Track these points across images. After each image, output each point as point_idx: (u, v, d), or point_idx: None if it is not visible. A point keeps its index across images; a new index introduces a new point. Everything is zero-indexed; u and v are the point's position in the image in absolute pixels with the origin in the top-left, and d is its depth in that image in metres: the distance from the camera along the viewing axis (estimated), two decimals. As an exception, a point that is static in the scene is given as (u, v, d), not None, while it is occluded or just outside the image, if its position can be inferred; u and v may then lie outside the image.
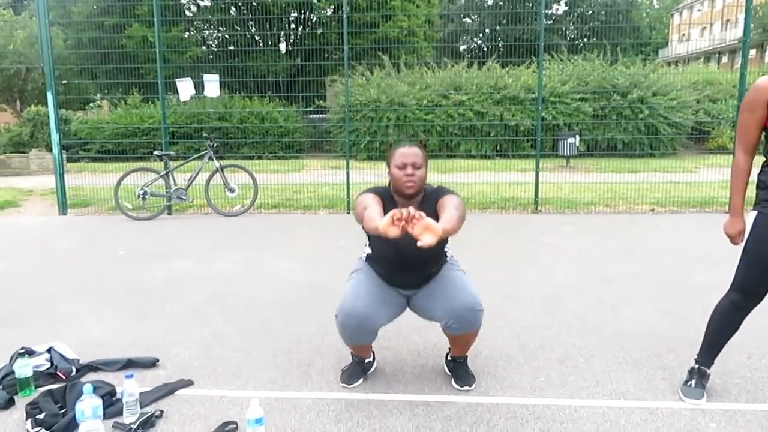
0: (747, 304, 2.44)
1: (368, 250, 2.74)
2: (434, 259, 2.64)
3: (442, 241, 2.56)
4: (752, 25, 7.51)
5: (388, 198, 2.61)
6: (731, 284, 2.48)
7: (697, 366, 2.60)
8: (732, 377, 2.73)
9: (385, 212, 2.47)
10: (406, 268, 2.61)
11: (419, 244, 2.06)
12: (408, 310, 2.76)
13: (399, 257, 2.56)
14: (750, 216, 2.47)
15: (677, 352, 3.00)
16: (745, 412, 2.43)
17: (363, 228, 2.37)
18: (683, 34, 42.78)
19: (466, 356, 2.76)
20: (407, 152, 2.54)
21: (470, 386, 2.65)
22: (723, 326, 2.52)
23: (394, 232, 2.09)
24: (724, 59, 34.82)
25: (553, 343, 3.17)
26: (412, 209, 2.08)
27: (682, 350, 3.01)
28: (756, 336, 3.09)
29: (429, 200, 2.59)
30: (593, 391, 2.63)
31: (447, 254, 2.75)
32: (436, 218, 2.42)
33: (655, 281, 4.38)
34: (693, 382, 2.57)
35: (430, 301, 2.63)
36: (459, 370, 2.72)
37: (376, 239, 2.59)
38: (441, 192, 2.60)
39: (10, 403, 2.53)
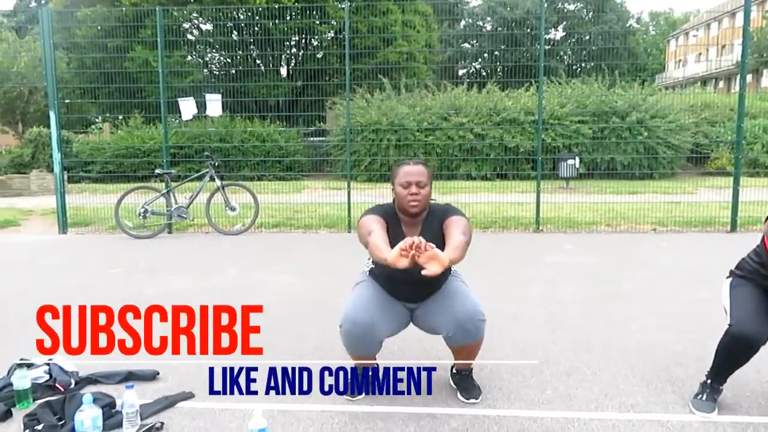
0: (753, 343, 2.38)
1: (371, 265, 2.71)
2: (439, 276, 2.59)
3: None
4: (749, 50, 7.59)
5: (393, 216, 2.59)
6: (731, 323, 2.45)
7: (709, 381, 2.56)
8: (743, 390, 2.69)
9: (390, 232, 2.48)
10: (410, 284, 2.58)
11: (424, 272, 2.10)
12: (411, 325, 2.73)
13: (402, 275, 2.49)
14: (725, 284, 2.64)
15: (685, 366, 2.96)
16: (758, 425, 2.39)
17: (368, 252, 2.37)
18: (679, 60, 43.33)
19: (471, 368, 2.72)
20: (412, 170, 2.54)
21: (476, 399, 2.61)
22: (731, 360, 2.48)
23: (403, 263, 2.13)
24: (721, 84, 35.18)
25: (559, 358, 3.12)
26: (421, 239, 2.09)
27: (690, 364, 2.97)
28: (765, 349, 3.05)
29: (434, 218, 2.58)
30: (602, 404, 2.58)
31: (451, 268, 2.71)
32: (442, 238, 2.42)
33: (660, 298, 4.34)
34: (704, 396, 2.53)
35: (433, 313, 2.60)
36: (464, 383, 2.68)
37: (379, 265, 2.51)
38: (448, 212, 2.58)
39: (7, 415, 2.48)
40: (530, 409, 2.54)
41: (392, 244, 2.33)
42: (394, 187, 2.58)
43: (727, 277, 2.66)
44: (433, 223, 2.56)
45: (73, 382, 2.76)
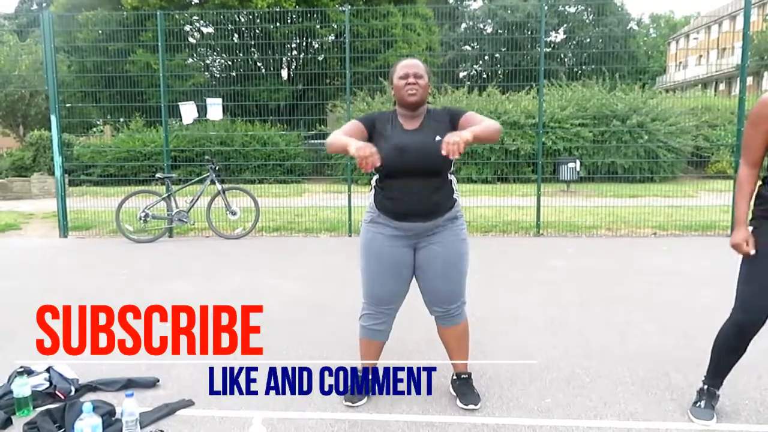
0: (750, 326, 2.39)
1: (376, 176, 2.60)
2: (440, 176, 2.53)
3: (444, 168, 2.53)
4: (749, 53, 7.60)
5: (387, 117, 2.58)
6: (734, 306, 2.45)
7: (706, 387, 2.56)
8: (742, 398, 2.69)
9: (383, 128, 2.53)
10: (417, 177, 2.47)
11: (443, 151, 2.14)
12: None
13: (404, 155, 2.43)
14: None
15: (685, 373, 2.96)
16: (757, 433, 2.39)
17: (329, 147, 2.40)
18: (680, 62, 43.35)
19: (470, 373, 2.73)
20: (409, 63, 2.56)
21: (475, 405, 2.61)
22: (728, 349, 2.48)
23: (362, 152, 2.13)
24: (722, 86, 35.17)
25: (559, 364, 3.12)
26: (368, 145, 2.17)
27: (689, 371, 2.96)
28: (766, 356, 3.05)
29: (436, 116, 2.57)
30: (601, 412, 2.58)
31: (454, 187, 2.60)
32: (443, 133, 2.36)
33: (660, 302, 4.34)
34: (702, 403, 2.53)
35: (424, 274, 2.61)
36: (464, 388, 2.68)
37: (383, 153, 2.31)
38: (455, 111, 2.57)
39: (7, 423, 2.49)
40: (529, 417, 2.54)
41: (391, 138, 2.46)
42: (392, 84, 2.57)
43: (749, 225, 2.42)
44: (436, 119, 2.55)
45: (73, 389, 2.76)
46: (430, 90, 2.59)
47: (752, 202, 2.43)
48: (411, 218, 2.53)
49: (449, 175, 2.59)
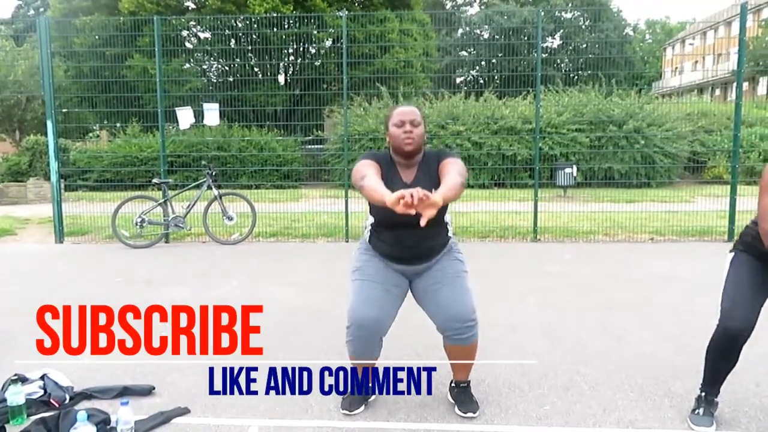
0: (735, 334, 2.38)
1: (371, 219, 2.64)
2: (436, 223, 2.48)
3: (443, 209, 2.50)
4: (745, 58, 7.63)
5: (387, 162, 2.57)
6: (719, 317, 2.45)
7: (703, 394, 2.55)
8: (741, 405, 2.67)
9: (385, 176, 2.48)
10: (411, 237, 2.50)
11: (422, 222, 2.06)
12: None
13: (403, 223, 2.38)
14: (727, 258, 2.59)
15: (683, 380, 2.95)
16: (756, 440, 2.38)
17: (364, 196, 2.34)
18: (676, 68, 43.56)
19: (469, 381, 2.71)
20: (405, 110, 2.54)
21: (474, 413, 2.59)
22: (720, 358, 2.48)
23: (401, 209, 2.05)
24: (717, 92, 35.33)
25: (557, 371, 3.11)
26: (420, 190, 2.03)
27: (688, 378, 2.95)
28: (764, 363, 3.04)
29: (429, 162, 2.56)
30: (600, 420, 2.57)
31: (448, 227, 2.65)
32: (438, 180, 2.42)
33: (658, 309, 4.33)
34: (701, 410, 2.52)
35: (429, 300, 2.58)
36: (462, 397, 2.66)
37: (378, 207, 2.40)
38: (443, 154, 2.56)
39: (1, 431, 2.45)
40: (528, 425, 2.53)
41: (388, 187, 2.31)
42: (388, 130, 2.56)
43: (731, 251, 2.60)
44: (429, 166, 2.54)
45: (67, 397, 2.73)
46: (426, 134, 2.58)
47: (738, 235, 2.58)
48: (405, 262, 2.60)
49: (445, 216, 2.60)
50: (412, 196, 2.00)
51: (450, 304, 2.52)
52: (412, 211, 2.03)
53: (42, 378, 2.81)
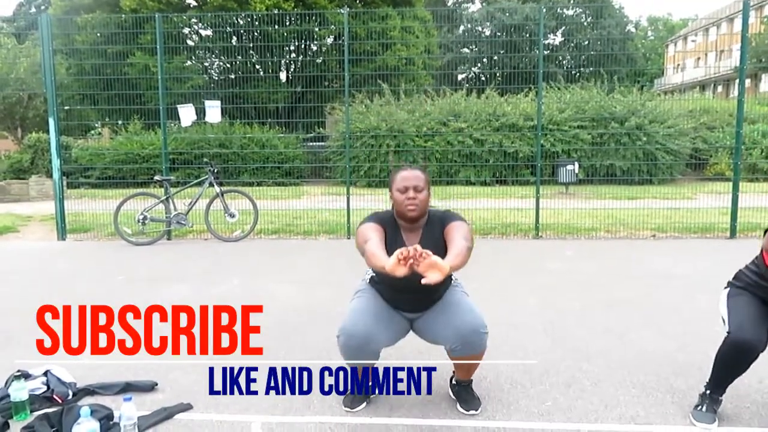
0: (750, 347, 2.37)
1: (371, 273, 2.70)
2: (440, 284, 2.57)
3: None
4: (747, 55, 7.60)
5: (391, 223, 2.58)
6: (730, 330, 2.44)
7: (708, 392, 2.55)
8: (743, 401, 2.68)
9: (388, 239, 2.47)
10: (410, 292, 2.55)
11: (424, 281, 2.07)
12: (411, 333, 2.73)
13: (402, 283, 2.45)
14: (723, 294, 2.63)
15: (685, 376, 2.95)
16: (758, 436, 2.38)
17: (366, 263, 2.36)
18: (678, 64, 43.45)
19: (471, 379, 2.71)
20: (408, 175, 2.53)
21: (476, 410, 2.59)
22: (727, 368, 2.48)
23: (401, 272, 2.10)
24: (719, 88, 35.23)
25: (558, 368, 3.11)
26: (418, 247, 2.07)
27: (690, 374, 2.95)
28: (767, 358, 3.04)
29: (434, 225, 2.57)
30: (602, 415, 2.57)
31: (452, 277, 2.70)
32: (444, 245, 2.41)
33: (660, 306, 4.33)
34: (704, 407, 2.52)
35: (435, 324, 2.59)
36: (464, 394, 2.67)
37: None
38: (447, 218, 2.56)
39: (4, 427, 2.47)
40: (530, 421, 2.53)
41: (391, 251, 2.27)
42: (392, 194, 2.56)
43: (725, 288, 2.66)
44: (434, 229, 2.55)
45: (70, 393, 2.74)
46: (430, 197, 2.59)
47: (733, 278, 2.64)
48: (406, 311, 2.67)
49: (450, 277, 2.64)
50: (409, 251, 2.07)
51: (460, 320, 2.49)
52: (409, 271, 2.08)
53: (45, 374, 2.82)
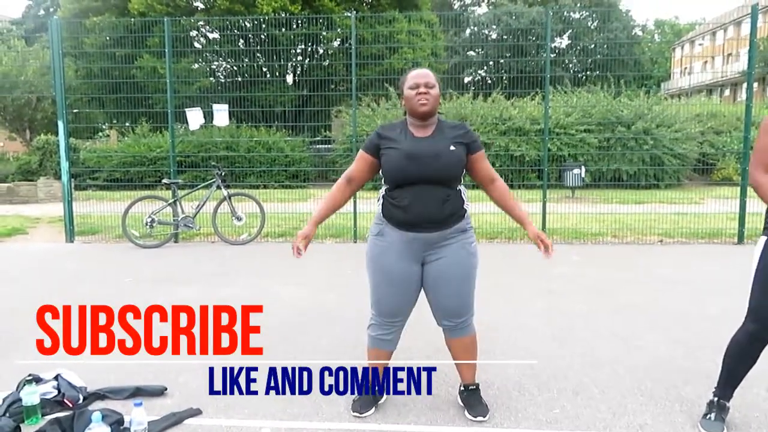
0: (764, 333, 2.39)
1: (383, 189, 2.61)
2: (453, 178, 2.52)
3: (456, 178, 2.54)
4: (755, 59, 7.58)
5: (401, 129, 2.58)
6: (746, 315, 2.44)
7: (716, 399, 2.55)
8: (752, 410, 2.67)
9: (399, 139, 2.55)
10: (421, 184, 2.47)
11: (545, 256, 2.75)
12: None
13: (415, 162, 2.46)
14: (759, 242, 2.46)
15: (694, 384, 2.94)
16: (767, 446, 2.37)
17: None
18: (685, 68, 43.29)
19: (478, 384, 2.72)
20: (420, 73, 2.56)
21: (484, 416, 2.60)
22: (740, 358, 2.47)
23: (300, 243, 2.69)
24: (727, 92, 35.10)
25: (566, 374, 3.11)
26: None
27: (698, 382, 2.95)
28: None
29: (444, 129, 2.56)
30: (610, 423, 2.57)
31: (464, 197, 2.60)
32: (465, 157, 2.56)
33: (667, 312, 4.33)
34: (713, 415, 2.51)
35: (435, 289, 2.60)
36: (472, 400, 2.67)
37: (390, 164, 2.52)
38: (469, 135, 2.58)
39: (16, 431, 2.48)
40: (538, 429, 2.53)
41: (397, 145, 2.50)
42: (402, 94, 2.58)
43: (763, 233, 2.47)
44: (444, 131, 2.55)
45: (81, 397, 2.76)
46: (439, 90, 2.58)
47: (766, 213, 2.42)
48: (420, 228, 2.50)
49: (460, 185, 2.58)
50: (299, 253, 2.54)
51: (450, 300, 2.59)
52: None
53: (56, 378, 2.85)
